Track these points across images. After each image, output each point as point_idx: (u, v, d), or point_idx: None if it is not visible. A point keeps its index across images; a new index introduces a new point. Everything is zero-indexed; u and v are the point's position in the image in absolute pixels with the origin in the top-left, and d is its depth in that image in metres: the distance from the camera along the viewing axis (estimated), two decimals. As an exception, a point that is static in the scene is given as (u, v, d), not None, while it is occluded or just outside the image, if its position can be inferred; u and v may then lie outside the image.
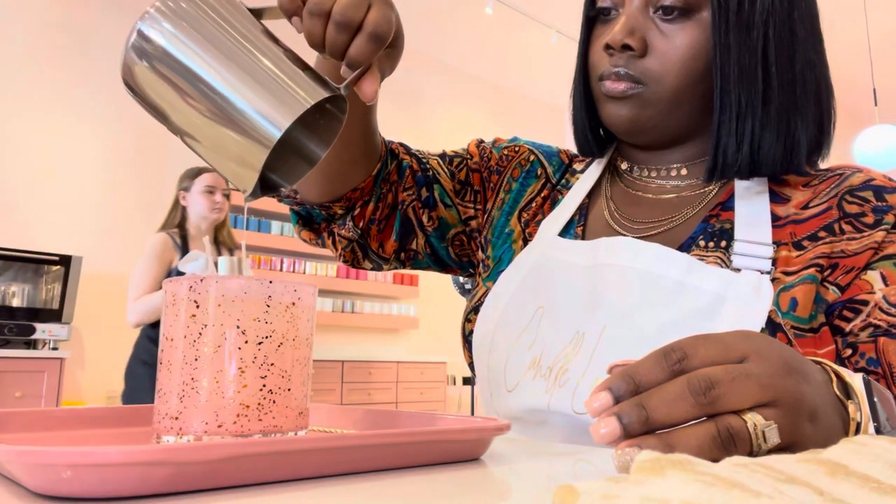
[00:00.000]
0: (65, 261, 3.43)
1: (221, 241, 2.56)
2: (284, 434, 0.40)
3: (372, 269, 0.80)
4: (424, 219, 0.76)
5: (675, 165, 0.69)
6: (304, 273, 4.56)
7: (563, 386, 0.59)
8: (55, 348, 3.33)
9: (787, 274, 0.58)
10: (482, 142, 0.82)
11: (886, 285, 0.56)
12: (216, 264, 2.02)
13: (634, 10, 0.63)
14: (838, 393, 0.38)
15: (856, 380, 0.38)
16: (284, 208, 4.32)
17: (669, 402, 0.32)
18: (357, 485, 0.34)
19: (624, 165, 0.73)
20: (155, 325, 2.34)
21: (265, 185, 0.50)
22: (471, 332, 0.70)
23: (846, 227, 0.59)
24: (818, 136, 0.64)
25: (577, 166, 0.78)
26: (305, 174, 0.51)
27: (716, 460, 0.24)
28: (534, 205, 0.75)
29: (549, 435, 0.61)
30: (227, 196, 2.57)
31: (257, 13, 0.47)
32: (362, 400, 4.37)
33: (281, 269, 4.42)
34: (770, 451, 0.32)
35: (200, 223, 2.50)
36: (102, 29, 3.96)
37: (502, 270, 0.70)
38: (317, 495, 0.31)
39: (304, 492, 0.32)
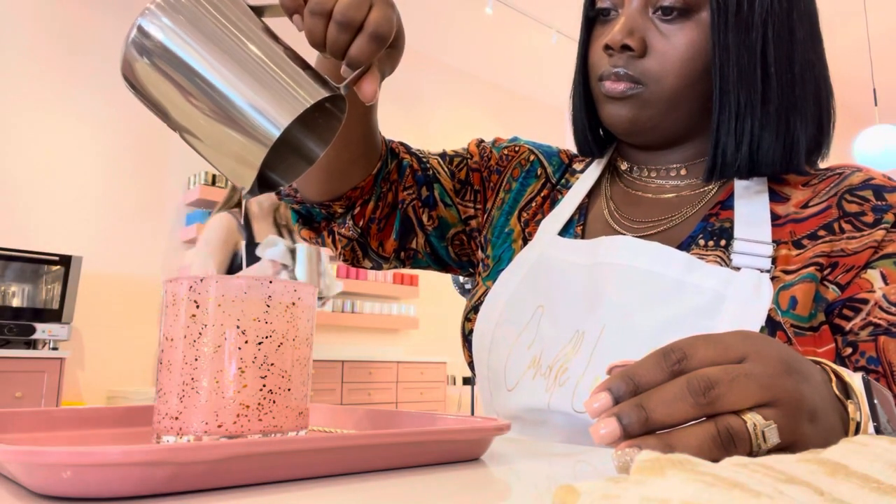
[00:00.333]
0: (65, 261, 3.43)
1: (279, 220, 2.30)
2: (284, 434, 0.40)
3: (372, 268, 0.80)
4: (424, 218, 0.76)
5: (674, 165, 0.69)
6: (304, 273, 4.55)
7: (564, 385, 0.59)
8: (55, 348, 3.33)
9: (787, 272, 0.58)
10: (482, 141, 0.82)
11: (886, 284, 0.56)
12: (292, 252, 1.88)
13: (634, 10, 0.63)
14: (838, 393, 0.38)
15: (855, 380, 0.38)
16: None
17: (669, 402, 0.32)
18: (357, 485, 0.34)
19: (623, 165, 0.73)
20: None
21: (263, 183, 0.50)
22: (470, 331, 0.70)
23: (846, 226, 0.59)
24: (818, 135, 0.64)
25: (577, 166, 0.78)
26: (304, 172, 0.51)
27: (716, 460, 0.24)
28: (534, 204, 0.75)
29: (549, 434, 0.61)
30: None
31: (258, 10, 0.47)
32: (362, 400, 4.37)
33: (281, 269, 4.41)
34: (770, 451, 0.32)
35: (263, 200, 2.25)
36: (103, 29, 3.96)
37: (502, 270, 0.70)
38: (317, 495, 0.31)
39: (304, 492, 0.32)
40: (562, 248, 0.68)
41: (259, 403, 0.39)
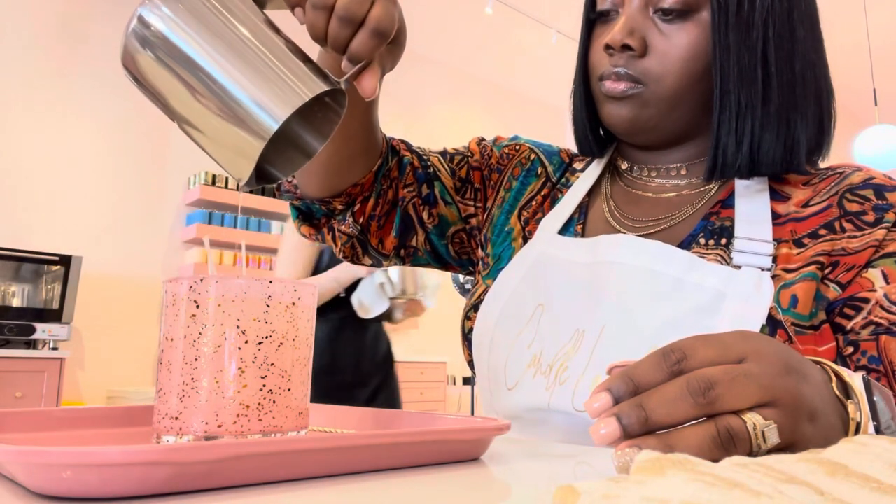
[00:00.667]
0: (65, 261, 3.43)
1: None
2: (284, 434, 0.40)
3: (372, 266, 0.80)
4: (425, 216, 0.76)
5: (674, 165, 0.69)
6: (304, 273, 4.55)
7: (564, 384, 0.59)
8: (55, 348, 3.33)
9: (788, 271, 0.58)
10: (483, 140, 0.82)
11: (887, 283, 0.56)
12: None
13: (634, 10, 0.63)
14: (838, 393, 0.38)
15: (855, 379, 0.38)
16: (284, 208, 4.32)
17: (669, 402, 0.32)
18: (357, 485, 0.34)
19: (624, 165, 0.73)
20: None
21: (261, 176, 0.50)
22: (470, 329, 0.70)
23: (847, 225, 0.59)
24: (818, 135, 0.64)
25: (578, 165, 0.78)
26: (302, 166, 0.51)
27: (716, 460, 0.24)
28: (534, 203, 0.75)
29: (549, 433, 0.61)
30: None
31: (260, 2, 0.47)
32: (362, 400, 4.37)
33: (281, 269, 4.41)
34: (770, 451, 0.32)
35: None
36: (104, 29, 3.96)
37: (502, 268, 0.70)
38: (317, 495, 0.31)
39: (304, 492, 0.32)
40: (562, 247, 0.68)
41: (259, 403, 0.39)
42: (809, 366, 0.38)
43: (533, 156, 0.80)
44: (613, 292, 0.61)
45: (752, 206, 0.62)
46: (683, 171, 0.69)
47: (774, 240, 0.60)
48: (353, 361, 1.96)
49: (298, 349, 0.41)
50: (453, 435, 0.40)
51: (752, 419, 0.32)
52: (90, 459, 0.28)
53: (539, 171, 0.78)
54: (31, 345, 3.29)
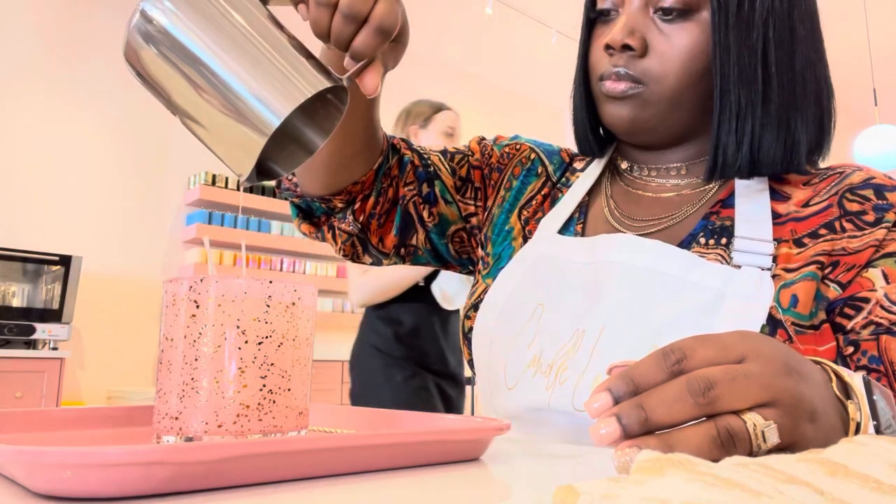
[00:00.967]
0: (65, 261, 3.43)
1: None
2: (284, 434, 0.40)
3: (372, 264, 0.80)
4: (425, 214, 0.76)
5: (674, 165, 0.69)
6: (304, 273, 4.56)
7: (564, 384, 0.59)
8: (55, 348, 3.33)
9: (788, 271, 0.58)
10: (483, 139, 0.82)
11: (888, 283, 0.56)
12: None
13: (634, 10, 0.63)
14: (838, 393, 0.38)
15: (855, 379, 0.38)
16: (285, 208, 4.32)
17: (669, 402, 0.32)
18: (357, 485, 0.34)
19: (624, 165, 0.73)
20: (381, 307, 1.91)
21: (262, 172, 0.50)
22: (470, 329, 0.70)
23: (847, 225, 0.59)
24: (818, 135, 0.64)
25: (578, 165, 0.78)
26: (303, 162, 0.51)
27: (716, 460, 0.24)
28: (534, 202, 0.75)
29: (549, 433, 0.61)
30: None
31: None
32: (362, 400, 4.37)
33: (281, 269, 4.41)
34: (770, 451, 0.32)
35: None
36: (104, 29, 3.96)
37: (502, 267, 0.70)
38: (317, 495, 0.31)
39: (304, 492, 0.32)
40: (562, 246, 0.68)
41: (259, 403, 0.39)
42: (809, 366, 0.38)
43: (533, 155, 0.80)
44: (613, 292, 0.61)
45: (752, 205, 0.62)
46: (683, 171, 0.69)
47: (775, 239, 0.60)
48: (438, 351, 1.92)
49: (298, 349, 0.41)
50: (453, 435, 0.40)
51: (752, 419, 0.32)
52: (90, 459, 0.28)
53: (539, 171, 0.78)
54: (31, 345, 3.29)
